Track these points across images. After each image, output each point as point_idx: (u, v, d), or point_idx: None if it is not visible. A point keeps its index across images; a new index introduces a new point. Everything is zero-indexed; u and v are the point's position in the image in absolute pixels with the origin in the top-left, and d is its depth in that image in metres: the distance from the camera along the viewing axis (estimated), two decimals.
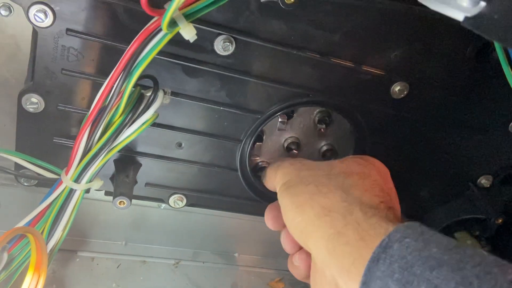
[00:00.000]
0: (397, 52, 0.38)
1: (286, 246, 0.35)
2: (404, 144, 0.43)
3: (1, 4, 0.33)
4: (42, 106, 0.35)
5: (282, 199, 0.32)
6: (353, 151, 0.44)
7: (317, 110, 0.42)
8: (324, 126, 0.42)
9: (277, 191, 0.34)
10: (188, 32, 0.26)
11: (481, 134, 0.44)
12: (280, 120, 0.41)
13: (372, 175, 0.31)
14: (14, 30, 0.34)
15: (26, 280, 0.28)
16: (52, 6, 0.31)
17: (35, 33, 0.33)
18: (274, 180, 0.35)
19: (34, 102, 0.34)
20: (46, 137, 0.37)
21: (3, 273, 0.31)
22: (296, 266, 0.35)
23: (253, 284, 0.50)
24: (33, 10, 0.31)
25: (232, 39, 0.35)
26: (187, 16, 0.26)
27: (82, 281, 0.44)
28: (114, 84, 0.28)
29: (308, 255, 0.32)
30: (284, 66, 0.37)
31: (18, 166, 0.37)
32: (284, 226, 0.34)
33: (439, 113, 0.42)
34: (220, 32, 0.34)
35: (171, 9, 0.23)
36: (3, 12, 0.33)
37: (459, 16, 0.20)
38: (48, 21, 0.31)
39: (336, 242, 0.27)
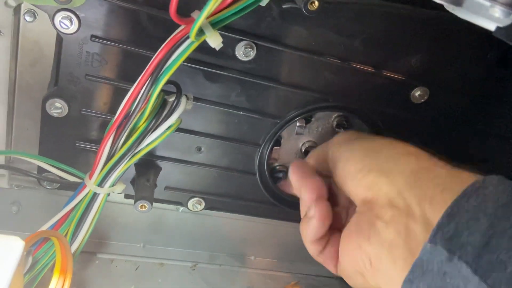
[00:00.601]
0: (418, 57, 0.38)
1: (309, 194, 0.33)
2: (423, 149, 0.42)
3: (26, 10, 0.33)
4: (65, 110, 0.35)
5: (350, 145, 0.32)
6: None
7: (336, 115, 0.42)
8: (342, 130, 0.42)
9: (336, 145, 0.33)
10: (215, 40, 0.26)
11: (501, 141, 0.43)
12: (298, 124, 0.41)
13: None
14: (37, 35, 0.34)
15: (52, 282, 0.29)
16: (77, 13, 0.31)
17: (59, 39, 0.33)
18: (327, 145, 0.35)
19: (58, 107, 0.35)
20: (69, 141, 0.37)
21: (27, 275, 0.32)
22: (311, 223, 0.32)
23: (269, 287, 0.50)
24: (58, 17, 0.31)
25: (253, 45, 0.35)
26: (213, 24, 0.26)
27: (102, 283, 0.44)
28: (141, 90, 0.29)
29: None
30: (304, 71, 0.37)
31: (41, 170, 0.37)
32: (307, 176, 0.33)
33: (459, 119, 0.42)
34: (242, 38, 0.34)
35: (201, 19, 0.24)
36: (27, 18, 0.33)
37: (490, 26, 0.19)
38: (73, 27, 0.32)
39: (421, 175, 0.26)
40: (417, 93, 0.39)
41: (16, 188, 0.42)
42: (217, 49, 0.28)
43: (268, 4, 0.28)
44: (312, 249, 0.33)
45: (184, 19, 0.26)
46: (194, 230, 0.50)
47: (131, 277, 0.46)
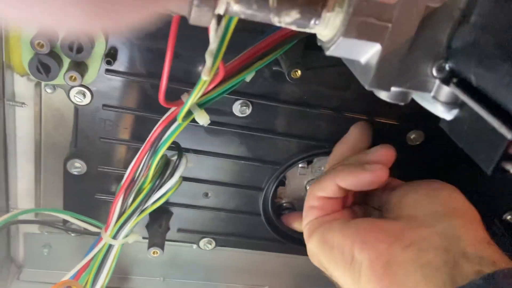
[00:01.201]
0: (411, 102, 0.39)
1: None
2: None
3: (46, 84, 0.37)
4: (84, 169, 0.39)
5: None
6: None
7: None
8: None
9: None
10: (202, 119, 0.29)
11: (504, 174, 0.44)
12: (300, 166, 0.44)
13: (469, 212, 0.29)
14: (58, 103, 0.39)
15: None
16: (90, 87, 0.35)
17: (76, 109, 0.37)
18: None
19: (77, 166, 0.39)
20: (89, 195, 0.41)
21: None
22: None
23: None
24: (73, 92, 0.35)
25: (249, 103, 0.38)
26: (200, 105, 0.29)
27: None
28: (142, 160, 0.32)
29: None
30: (299, 122, 0.40)
31: (65, 221, 0.41)
32: None
33: (458, 154, 0.42)
34: (237, 97, 0.37)
35: (185, 109, 0.27)
36: (48, 90, 0.38)
37: (441, 116, 0.21)
38: (87, 100, 0.36)
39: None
40: (412, 136, 0.41)
41: (46, 233, 0.46)
42: (205, 125, 0.31)
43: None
44: (311, 203, 0.32)
45: (173, 103, 0.29)
46: (209, 264, 0.53)
47: None
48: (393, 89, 0.20)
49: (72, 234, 0.43)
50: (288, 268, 0.55)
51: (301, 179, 0.45)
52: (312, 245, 0.32)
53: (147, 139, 0.31)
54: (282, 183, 0.45)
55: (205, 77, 0.23)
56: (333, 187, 0.31)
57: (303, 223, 0.34)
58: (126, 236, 0.38)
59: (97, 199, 0.42)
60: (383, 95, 0.21)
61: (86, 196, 0.41)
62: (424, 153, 0.42)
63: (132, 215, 0.35)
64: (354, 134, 0.33)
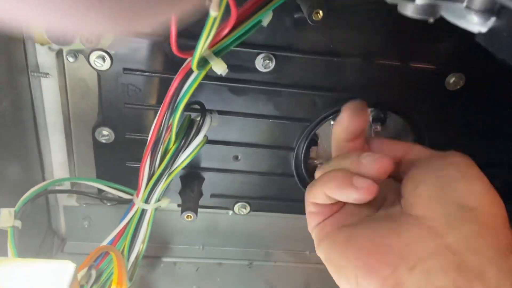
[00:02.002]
0: (447, 42, 0.36)
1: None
2: (465, 136, 0.41)
3: (67, 52, 0.37)
4: (112, 136, 0.39)
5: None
6: None
7: (371, 109, 0.42)
8: (380, 124, 0.42)
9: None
10: (219, 68, 0.28)
11: None
12: (332, 123, 0.42)
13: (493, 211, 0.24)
14: (82, 72, 0.39)
15: None
16: (109, 51, 0.35)
17: (98, 75, 0.37)
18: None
19: (105, 134, 0.39)
20: (120, 163, 0.41)
21: (95, 286, 0.36)
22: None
23: (327, 281, 0.51)
24: (93, 56, 0.35)
25: (272, 56, 0.36)
26: (217, 53, 0.28)
27: (167, 284, 0.49)
28: (163, 119, 0.31)
29: None
30: (327, 73, 0.37)
31: (100, 190, 0.42)
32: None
33: (500, 99, 0.39)
34: (260, 51, 0.36)
35: (197, 54, 0.25)
36: (70, 59, 0.37)
37: (475, 30, 0.19)
38: (107, 64, 0.35)
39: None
40: (451, 80, 0.38)
41: (84, 205, 0.47)
42: (223, 75, 0.29)
43: (279, 15, 0.28)
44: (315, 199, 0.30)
45: (188, 52, 0.28)
46: (247, 230, 0.52)
47: (192, 277, 0.50)
48: (419, 1, 0.18)
49: (108, 204, 0.43)
50: None
51: None
52: (321, 257, 0.30)
53: (166, 96, 0.30)
54: (314, 142, 0.43)
55: (213, 12, 0.21)
56: (322, 195, 0.29)
57: (309, 229, 0.32)
58: (158, 200, 0.38)
59: (128, 167, 0.42)
60: (409, 9, 0.18)
61: (117, 164, 0.41)
62: (466, 98, 0.39)
63: (160, 177, 0.35)
64: (348, 114, 0.30)
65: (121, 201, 0.43)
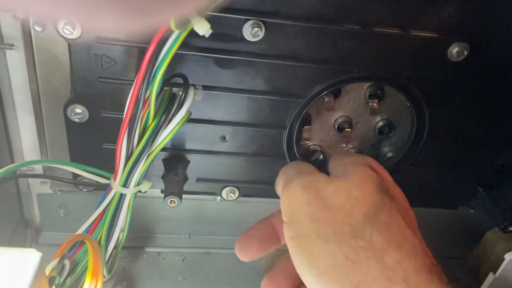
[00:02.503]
0: (452, 8, 0.33)
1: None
2: (468, 110, 0.38)
3: (34, 21, 0.34)
4: (86, 115, 0.36)
5: (294, 256, 0.27)
6: (412, 125, 0.40)
7: (367, 85, 0.39)
8: (376, 101, 0.39)
9: (284, 233, 0.28)
10: (201, 28, 0.25)
11: None
12: (326, 100, 0.39)
13: (404, 215, 0.26)
14: (51, 45, 0.35)
15: (85, 285, 0.30)
16: None
17: (69, 45, 0.33)
18: (282, 196, 0.30)
19: (78, 113, 0.35)
20: (96, 144, 0.38)
21: (69, 278, 0.33)
22: None
23: None
24: (61, 23, 0.31)
25: (261, 23, 0.33)
26: (198, 12, 0.24)
27: (151, 275, 0.46)
28: (139, 91, 0.28)
29: None
30: (321, 43, 0.34)
31: (75, 175, 0.38)
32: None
33: (507, 71, 0.36)
34: (247, 17, 0.32)
35: None
36: (37, 28, 0.34)
37: None
38: (77, 32, 0.32)
39: None
40: (454, 50, 0.35)
41: (59, 193, 0.44)
42: (207, 36, 0.26)
43: None
44: None
45: None
46: (235, 217, 0.49)
47: (178, 268, 0.47)
48: None
49: (84, 190, 0.40)
50: None
51: (328, 117, 0.40)
52: None
53: (141, 63, 0.27)
54: (307, 121, 0.40)
55: None
56: None
57: None
58: (138, 184, 0.34)
59: (105, 149, 0.38)
60: None
61: (93, 146, 0.38)
62: (469, 69, 0.36)
63: (139, 158, 0.32)
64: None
65: (98, 186, 0.40)
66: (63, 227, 0.47)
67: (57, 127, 0.39)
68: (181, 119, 0.31)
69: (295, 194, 0.28)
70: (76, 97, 0.35)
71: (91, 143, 0.38)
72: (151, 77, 0.27)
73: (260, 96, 0.37)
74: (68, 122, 0.36)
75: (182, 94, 0.31)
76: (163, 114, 0.31)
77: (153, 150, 0.32)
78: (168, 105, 0.31)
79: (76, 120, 0.36)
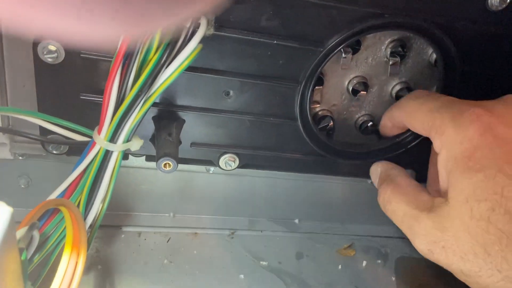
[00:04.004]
0: None
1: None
2: (506, 70, 0.34)
3: None
4: (62, 55, 0.29)
5: (459, 184, 0.25)
6: (437, 88, 0.36)
7: (389, 40, 0.34)
8: (398, 59, 0.35)
9: (443, 155, 0.27)
10: None
11: None
12: (343, 55, 0.34)
13: None
14: None
15: (64, 259, 0.23)
16: None
17: None
18: (429, 123, 0.28)
19: (52, 51, 0.28)
20: (72, 94, 0.31)
21: (37, 255, 0.26)
22: None
23: (320, 252, 0.44)
24: None
25: None
26: None
27: (130, 259, 0.39)
28: None
29: None
30: None
31: (43, 131, 0.31)
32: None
33: None
34: None
35: None
36: None
37: None
38: None
39: None
40: None
41: (21, 158, 0.36)
42: None
43: None
44: None
45: None
46: (229, 194, 0.44)
47: (162, 249, 0.41)
48: None
49: (54, 152, 0.32)
50: (319, 197, 0.46)
51: (342, 77, 0.36)
52: None
53: None
54: (320, 81, 0.35)
55: None
56: None
57: None
58: (127, 140, 0.28)
59: (83, 101, 0.31)
60: None
61: (68, 95, 0.31)
62: (509, 23, 0.32)
63: (133, 104, 0.25)
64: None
65: (72, 149, 0.33)
66: (23, 201, 0.39)
67: (21, 73, 0.32)
68: (189, 55, 0.25)
69: (470, 119, 0.26)
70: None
71: (66, 91, 0.31)
72: None
73: (275, 42, 0.31)
74: (38, 62, 0.29)
75: (191, 23, 0.24)
76: (166, 48, 0.24)
77: (151, 95, 0.26)
78: (172, 37, 0.25)
79: (49, 60, 0.29)
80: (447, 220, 0.25)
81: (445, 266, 0.26)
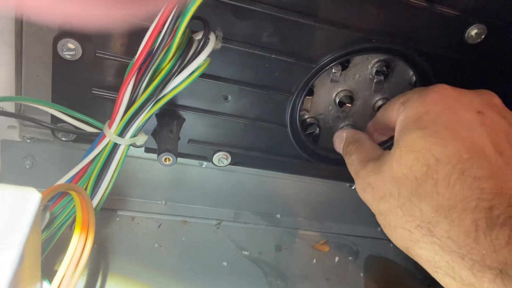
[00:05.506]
0: None
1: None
2: None
3: None
4: (79, 52, 0.32)
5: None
6: None
7: (376, 60, 0.38)
8: (382, 78, 0.38)
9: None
10: None
11: None
12: (333, 71, 0.37)
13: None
14: None
15: (74, 239, 0.26)
16: None
17: None
18: (400, 100, 0.31)
19: (71, 48, 0.31)
20: (85, 88, 0.34)
21: (44, 233, 0.29)
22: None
23: (298, 246, 0.48)
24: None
25: None
26: None
27: (124, 240, 0.42)
28: (166, 21, 0.25)
29: None
30: (346, 4, 0.33)
31: (55, 120, 0.34)
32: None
33: None
34: None
35: None
36: None
37: None
38: None
39: None
40: (473, 31, 0.35)
41: (28, 141, 0.39)
42: None
43: None
44: None
45: None
46: (218, 187, 0.47)
47: (153, 234, 0.44)
48: None
49: (63, 139, 0.35)
50: (301, 195, 0.50)
51: (330, 90, 0.39)
52: None
53: None
54: (310, 91, 0.39)
55: None
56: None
57: None
58: (135, 135, 0.31)
59: (94, 95, 0.34)
60: None
61: (81, 89, 0.34)
62: (483, 54, 0.36)
63: (144, 105, 0.28)
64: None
65: (79, 137, 0.35)
66: (26, 180, 0.42)
67: (37, 65, 0.34)
68: (199, 67, 0.28)
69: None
70: (71, 31, 0.31)
71: (80, 86, 0.33)
72: (184, 8, 0.24)
73: (273, 56, 0.34)
74: (57, 57, 0.32)
75: (202, 38, 0.28)
76: (179, 58, 0.27)
77: (161, 99, 0.29)
78: (185, 49, 0.28)
79: (67, 56, 0.31)
80: (384, 165, 0.28)
81: (369, 205, 0.29)
